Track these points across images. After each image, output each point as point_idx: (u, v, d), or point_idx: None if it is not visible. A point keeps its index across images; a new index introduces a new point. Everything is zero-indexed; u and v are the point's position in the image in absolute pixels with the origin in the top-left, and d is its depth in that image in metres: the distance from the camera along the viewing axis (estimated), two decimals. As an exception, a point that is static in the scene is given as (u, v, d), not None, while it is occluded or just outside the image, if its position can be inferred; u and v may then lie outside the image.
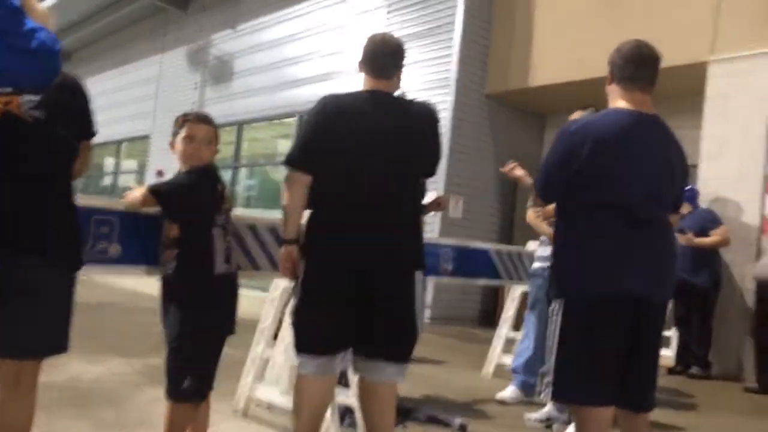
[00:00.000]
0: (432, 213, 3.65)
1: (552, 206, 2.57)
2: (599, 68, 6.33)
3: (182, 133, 2.36)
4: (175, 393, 2.24)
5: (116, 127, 13.80)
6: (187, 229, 2.29)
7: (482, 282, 4.50)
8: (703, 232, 5.35)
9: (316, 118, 2.40)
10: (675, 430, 3.60)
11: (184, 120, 2.40)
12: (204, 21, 11.97)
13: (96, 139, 2.10)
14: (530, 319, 3.91)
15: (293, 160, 2.39)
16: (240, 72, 10.92)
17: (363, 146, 2.35)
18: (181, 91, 12.14)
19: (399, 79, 2.52)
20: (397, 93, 2.53)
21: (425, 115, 2.48)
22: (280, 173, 10.46)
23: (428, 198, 3.46)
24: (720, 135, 5.92)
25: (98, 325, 5.26)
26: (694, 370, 5.37)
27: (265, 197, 10.83)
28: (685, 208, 5.11)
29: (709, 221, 5.43)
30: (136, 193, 2.34)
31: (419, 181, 2.56)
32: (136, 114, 13.58)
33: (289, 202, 2.39)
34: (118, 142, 14.44)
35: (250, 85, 10.57)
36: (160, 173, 10.96)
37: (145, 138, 13.17)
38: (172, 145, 2.42)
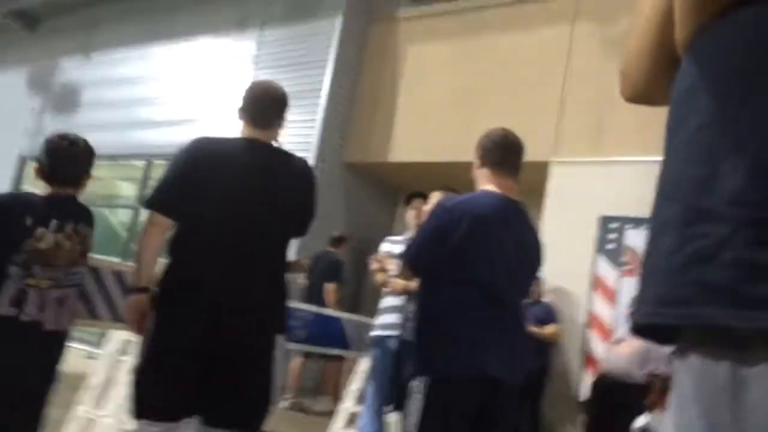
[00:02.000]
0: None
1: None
2: (454, 153, 6.68)
3: None
4: None
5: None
6: None
7: (334, 352, 4.40)
8: (542, 322, 5.67)
9: (184, 159, 2.24)
10: None
11: None
12: (54, 43, 11.18)
13: None
14: (369, 391, 3.87)
15: (154, 202, 2.21)
16: (87, 104, 10.24)
17: (231, 195, 2.22)
18: (16, 115, 11.14)
19: (278, 129, 2.45)
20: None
21: (302, 170, 2.42)
22: (120, 217, 9.79)
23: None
24: (557, 231, 6.37)
25: None
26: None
27: (101, 242, 10.02)
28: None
29: (548, 315, 5.78)
30: None
31: (288, 239, 2.47)
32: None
33: (144, 246, 2.19)
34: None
35: (97, 119, 9.92)
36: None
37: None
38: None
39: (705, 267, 0.69)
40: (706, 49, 0.77)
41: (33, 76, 11.21)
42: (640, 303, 0.78)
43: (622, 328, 5.55)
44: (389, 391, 3.77)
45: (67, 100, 10.55)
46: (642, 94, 0.94)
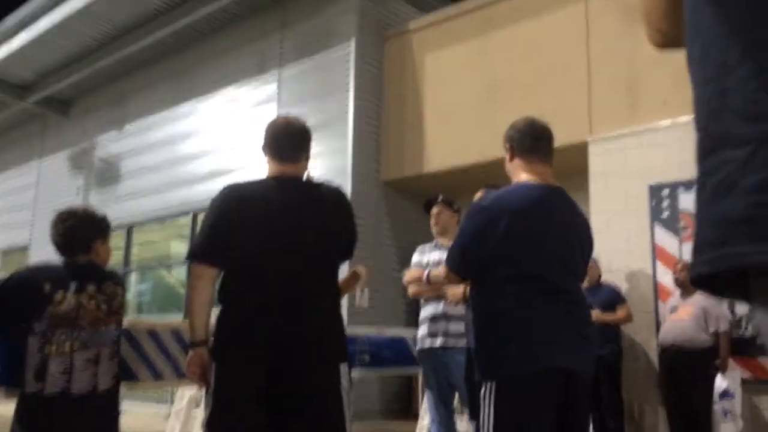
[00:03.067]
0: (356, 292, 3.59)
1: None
2: (487, 152, 6.63)
3: None
4: None
5: (-11, 239, 12.88)
6: None
7: (401, 372, 4.37)
8: (610, 306, 5.49)
9: (218, 208, 2.25)
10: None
11: None
12: (87, 123, 11.59)
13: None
14: (429, 400, 3.84)
15: (197, 253, 2.22)
16: (128, 173, 10.55)
17: (271, 235, 2.22)
18: (62, 197, 11.53)
19: (306, 162, 2.44)
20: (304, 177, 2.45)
21: (335, 197, 2.40)
22: (174, 276, 10.00)
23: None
24: (606, 210, 6.22)
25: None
26: (613, 442, 5.37)
27: (158, 302, 10.27)
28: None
29: (616, 297, 5.59)
30: None
31: (335, 266, 2.44)
32: (11, 224, 12.73)
33: (194, 299, 2.20)
34: (-8, 254, 13.42)
35: (139, 186, 10.21)
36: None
37: (23, 249, 12.31)
38: None
39: (728, 199, 0.60)
40: None
41: (73, 157, 11.62)
42: (692, 253, 0.69)
43: (674, 295, 5.35)
44: (448, 401, 3.72)
45: (108, 173, 10.89)
46: (671, 37, 0.85)
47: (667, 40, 0.87)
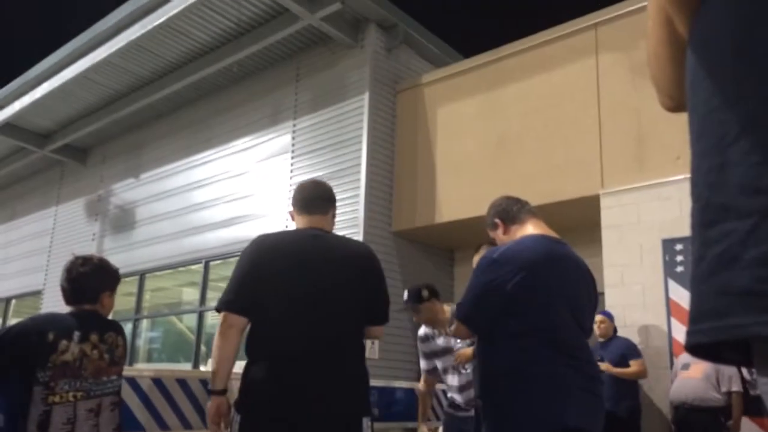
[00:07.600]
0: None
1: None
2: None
3: None
4: None
5: (4, 284, 12.95)
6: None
7: (411, 425, 4.29)
8: (623, 361, 5.40)
9: (250, 257, 2.28)
10: None
11: None
12: (104, 171, 11.78)
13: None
14: None
15: (227, 303, 2.23)
16: (142, 220, 10.65)
17: (299, 287, 2.22)
18: (77, 243, 11.65)
19: (333, 218, 2.49)
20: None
21: (364, 254, 2.43)
22: (185, 323, 9.97)
23: None
24: (619, 263, 6.18)
25: None
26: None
27: (168, 349, 10.22)
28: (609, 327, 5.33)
29: (629, 351, 5.49)
30: None
31: (362, 321, 2.37)
32: (26, 269, 12.82)
33: (221, 349, 2.19)
34: (6, 300, 13.46)
35: (153, 233, 10.29)
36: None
37: (36, 293, 12.36)
38: None
39: (730, 271, 0.61)
40: (698, 33, 0.72)
41: (89, 204, 11.77)
42: (688, 322, 0.70)
43: (686, 352, 5.25)
44: None
45: (123, 220, 11.00)
46: (681, 102, 0.85)
47: (677, 105, 0.88)
